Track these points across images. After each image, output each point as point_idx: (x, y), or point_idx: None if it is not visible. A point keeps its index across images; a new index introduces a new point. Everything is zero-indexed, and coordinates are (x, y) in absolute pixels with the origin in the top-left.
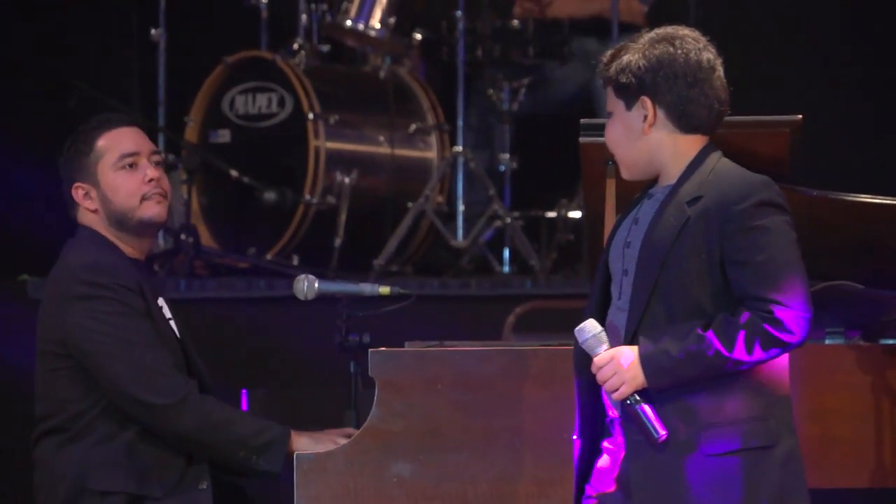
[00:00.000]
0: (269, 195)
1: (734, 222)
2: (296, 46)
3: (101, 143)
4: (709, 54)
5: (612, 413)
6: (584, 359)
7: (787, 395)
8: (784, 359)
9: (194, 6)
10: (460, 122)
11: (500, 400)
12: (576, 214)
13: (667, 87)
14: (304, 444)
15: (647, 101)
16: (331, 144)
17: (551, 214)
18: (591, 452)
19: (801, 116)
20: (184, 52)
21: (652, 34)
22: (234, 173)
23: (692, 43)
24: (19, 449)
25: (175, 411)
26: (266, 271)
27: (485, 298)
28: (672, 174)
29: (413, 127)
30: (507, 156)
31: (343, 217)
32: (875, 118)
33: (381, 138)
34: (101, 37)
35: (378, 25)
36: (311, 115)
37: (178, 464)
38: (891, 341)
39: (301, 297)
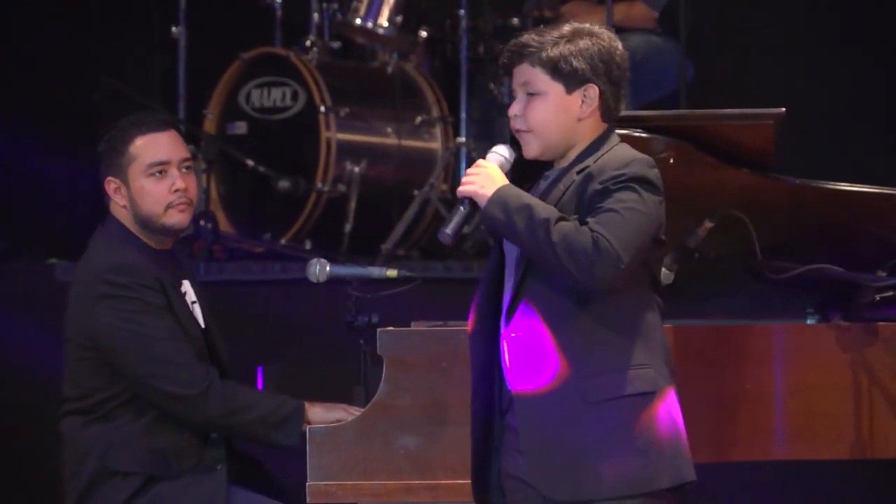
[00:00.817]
0: (283, 184)
1: (605, 182)
2: (308, 43)
3: (136, 146)
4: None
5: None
6: (477, 338)
7: (663, 348)
8: (658, 315)
9: (212, 5)
10: (463, 115)
11: None
12: None
13: (609, 79)
14: (318, 413)
15: (594, 89)
16: (341, 136)
17: None
18: (489, 422)
19: (784, 110)
20: (202, 49)
21: (579, 27)
22: (250, 163)
23: (617, 41)
24: (48, 417)
25: (200, 400)
26: (280, 255)
27: None
28: (572, 156)
29: (419, 119)
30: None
31: (353, 204)
32: (855, 111)
33: (389, 130)
34: (125, 34)
35: (386, 24)
36: (322, 108)
37: (195, 446)
38: (868, 321)
39: (313, 279)
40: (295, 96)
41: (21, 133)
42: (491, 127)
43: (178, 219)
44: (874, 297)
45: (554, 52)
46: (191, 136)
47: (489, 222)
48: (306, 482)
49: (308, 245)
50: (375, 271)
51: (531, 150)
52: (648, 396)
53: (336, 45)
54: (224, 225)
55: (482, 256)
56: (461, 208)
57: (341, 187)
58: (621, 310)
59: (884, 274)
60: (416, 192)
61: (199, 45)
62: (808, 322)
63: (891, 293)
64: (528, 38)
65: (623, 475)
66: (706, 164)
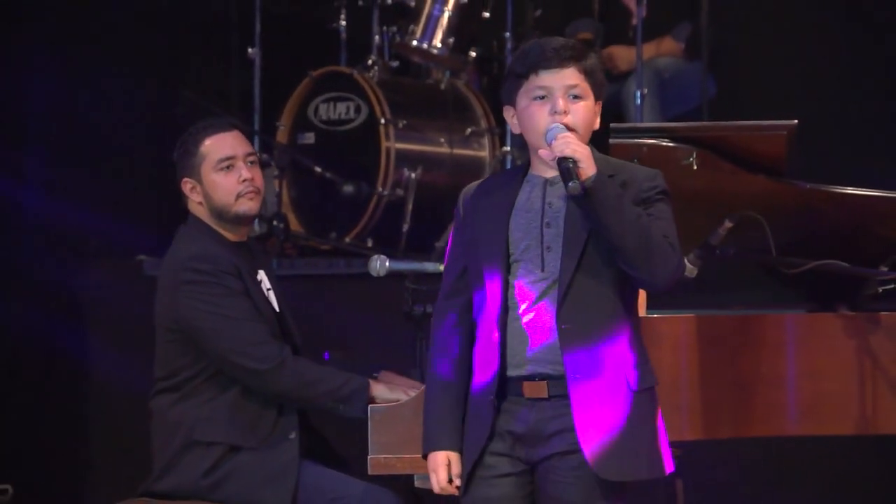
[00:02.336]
0: (348, 188)
1: (647, 192)
2: (370, 62)
3: (205, 146)
4: None
5: (529, 370)
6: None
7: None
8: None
9: (284, 29)
10: (508, 127)
11: None
12: None
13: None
14: (381, 390)
15: (599, 104)
16: (399, 145)
17: None
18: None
19: (796, 121)
20: (275, 68)
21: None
22: (318, 170)
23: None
24: (139, 395)
25: (275, 374)
26: (345, 252)
27: None
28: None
29: (469, 130)
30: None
31: (409, 206)
32: (863, 120)
33: (442, 140)
34: (207, 54)
35: (439, 45)
36: (382, 121)
37: (271, 418)
38: (872, 311)
39: (374, 274)
40: (358, 110)
41: (113, 143)
42: None
43: (247, 206)
44: (877, 289)
45: (597, 61)
46: (265, 145)
47: (600, 193)
48: (367, 455)
49: (370, 243)
50: (430, 266)
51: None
52: (654, 390)
53: (395, 63)
54: (294, 225)
55: None
56: (569, 165)
57: (399, 191)
58: (635, 307)
59: (885, 269)
60: None
61: (273, 64)
62: (818, 312)
63: (892, 286)
64: (564, 43)
65: (655, 458)
66: (726, 170)
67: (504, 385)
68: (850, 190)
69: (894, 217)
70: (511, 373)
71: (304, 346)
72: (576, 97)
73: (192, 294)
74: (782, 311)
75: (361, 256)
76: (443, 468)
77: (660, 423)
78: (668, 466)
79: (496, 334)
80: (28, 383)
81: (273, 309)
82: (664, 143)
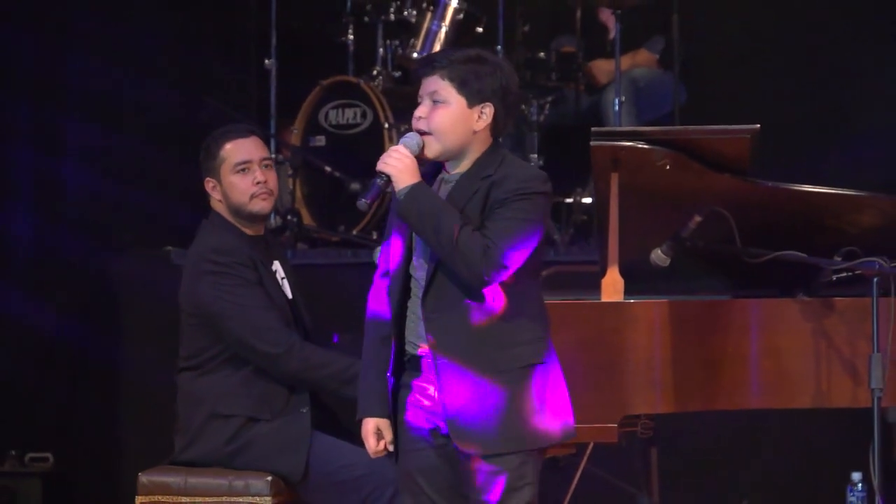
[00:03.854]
0: (355, 185)
1: (507, 193)
2: (375, 72)
3: (225, 150)
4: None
5: (421, 350)
6: (393, 299)
7: (548, 324)
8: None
9: (298, 42)
10: None
11: None
12: (588, 200)
13: (505, 102)
14: None
15: (490, 108)
16: None
17: (569, 200)
18: (397, 387)
19: (758, 126)
20: (290, 77)
21: (486, 53)
22: (328, 169)
23: (514, 73)
24: (166, 374)
25: (283, 358)
26: (352, 243)
27: None
28: (465, 164)
29: None
30: (535, 155)
31: None
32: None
33: None
34: (228, 65)
35: None
36: (386, 125)
37: (284, 393)
38: (826, 297)
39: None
40: (364, 115)
41: (144, 144)
42: (522, 140)
43: (260, 206)
44: (831, 277)
45: (465, 70)
46: (280, 147)
47: (401, 211)
48: None
49: (374, 235)
50: None
51: (430, 151)
52: (542, 366)
53: (397, 74)
54: (307, 219)
55: None
56: (378, 182)
57: None
58: (520, 293)
59: (838, 258)
60: None
61: (287, 74)
62: (778, 298)
63: (844, 274)
64: (441, 53)
65: (520, 433)
66: (695, 170)
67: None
68: (806, 188)
69: (846, 212)
70: (409, 350)
71: (315, 329)
72: (436, 101)
73: (211, 283)
74: (746, 297)
75: (367, 247)
76: (372, 436)
77: (546, 396)
78: (547, 439)
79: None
80: (66, 362)
81: (286, 297)
82: (640, 146)
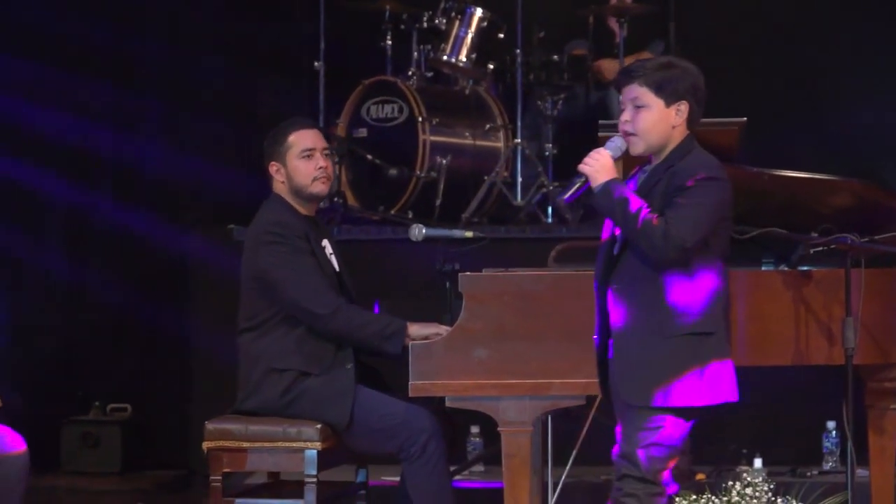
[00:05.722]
0: (393, 171)
1: (683, 181)
2: (410, 73)
3: (291, 138)
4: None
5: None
6: (600, 276)
7: (722, 301)
8: (722, 275)
9: (343, 46)
10: (519, 123)
11: (545, 307)
12: None
13: (696, 97)
14: (416, 329)
15: (685, 105)
16: (433, 138)
17: None
18: (605, 347)
19: (745, 119)
20: (336, 77)
21: (675, 59)
22: (369, 157)
23: (700, 73)
24: (228, 336)
25: (330, 318)
26: (390, 222)
27: (535, 240)
28: (663, 156)
29: (488, 126)
30: (550, 145)
31: (441, 186)
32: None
33: (467, 133)
34: (282, 67)
35: (464, 59)
36: (420, 119)
37: (331, 350)
38: (804, 268)
39: (414, 238)
40: (401, 110)
41: (209, 137)
42: (538, 132)
43: (320, 188)
44: (809, 251)
45: (661, 75)
46: (327, 137)
47: (597, 204)
48: (409, 382)
49: (410, 214)
50: (457, 233)
51: (637, 150)
52: (712, 335)
53: (429, 74)
54: (351, 200)
55: (531, 223)
56: (577, 181)
57: (433, 174)
58: (697, 269)
59: (815, 235)
60: (485, 178)
61: (334, 74)
62: (763, 269)
63: (820, 248)
64: (636, 64)
65: (678, 392)
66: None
67: None
68: (787, 173)
69: (822, 193)
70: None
71: (358, 297)
72: (638, 107)
73: (270, 251)
74: (735, 268)
75: (403, 225)
76: None
77: (707, 362)
78: (703, 399)
79: None
80: (141, 328)
81: (334, 268)
82: None
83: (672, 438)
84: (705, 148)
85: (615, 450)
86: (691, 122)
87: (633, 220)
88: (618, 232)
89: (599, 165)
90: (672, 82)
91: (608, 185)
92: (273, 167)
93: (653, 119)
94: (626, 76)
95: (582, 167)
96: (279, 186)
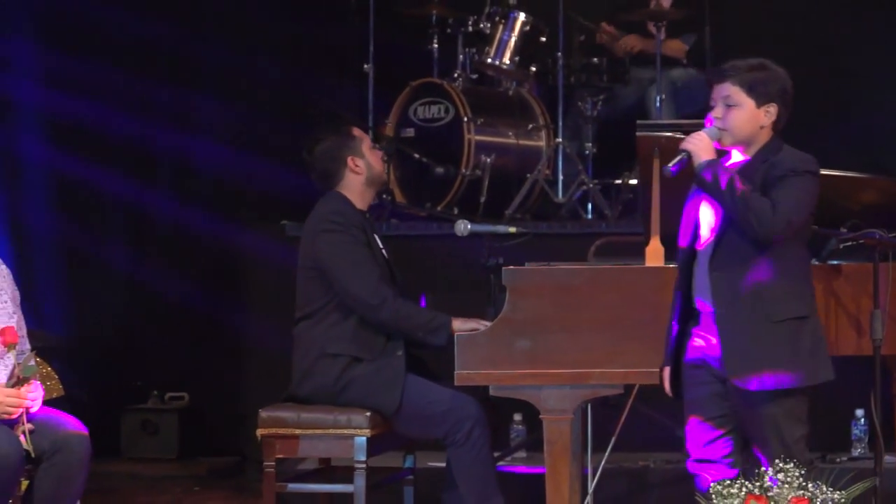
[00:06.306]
0: (439, 169)
1: (785, 171)
2: (456, 75)
3: (355, 133)
4: None
5: (705, 309)
6: (682, 269)
7: (811, 284)
8: (808, 261)
9: (392, 50)
10: (560, 123)
11: (585, 300)
12: (633, 181)
13: (784, 100)
14: (458, 324)
15: (774, 107)
16: (478, 137)
17: (618, 181)
18: (681, 335)
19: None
20: (385, 79)
21: (766, 61)
22: (416, 156)
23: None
24: (281, 326)
25: (379, 308)
26: (437, 218)
27: (575, 235)
28: (751, 151)
29: (530, 126)
30: (589, 144)
31: (486, 183)
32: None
33: (510, 133)
34: (333, 70)
35: (508, 62)
36: (465, 119)
37: (382, 339)
38: (834, 262)
39: (459, 234)
40: (447, 111)
41: (264, 136)
42: (579, 131)
43: (386, 175)
44: (839, 246)
45: (753, 76)
46: (377, 137)
47: (701, 177)
48: (454, 371)
49: (455, 211)
50: (501, 228)
51: (726, 142)
52: (808, 318)
53: (474, 76)
54: (399, 197)
55: (572, 219)
56: (681, 156)
57: (478, 172)
58: (788, 256)
59: (845, 230)
60: (528, 175)
61: (383, 76)
62: None
63: (850, 243)
64: (730, 64)
65: (789, 374)
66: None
67: None
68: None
69: (851, 190)
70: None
71: (405, 291)
72: (729, 105)
73: (327, 240)
74: None
75: (449, 221)
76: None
77: (808, 344)
78: (810, 379)
79: None
80: (198, 321)
81: (385, 260)
82: (678, 136)
83: (797, 423)
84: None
85: (718, 447)
86: (778, 123)
87: (742, 194)
88: (716, 222)
89: (703, 145)
90: (764, 84)
91: (713, 163)
92: (352, 161)
93: (743, 117)
94: (720, 74)
95: (685, 144)
96: (352, 179)
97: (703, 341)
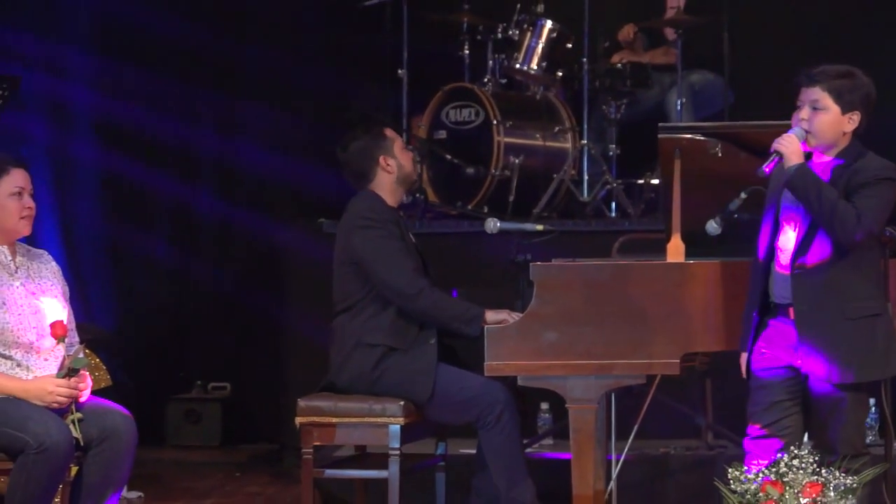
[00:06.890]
0: (470, 170)
1: (868, 177)
2: (486, 80)
3: (388, 134)
4: None
5: (780, 300)
6: (758, 267)
7: (883, 282)
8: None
9: (425, 56)
10: (585, 126)
11: (609, 294)
12: (655, 181)
13: (867, 108)
14: (491, 315)
15: (858, 115)
16: (507, 139)
17: (640, 181)
18: (759, 325)
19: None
20: (418, 84)
21: (853, 69)
22: (448, 157)
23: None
24: (319, 319)
25: (417, 297)
26: (468, 216)
27: (600, 233)
28: (832, 154)
29: (557, 128)
30: (613, 146)
31: (514, 183)
32: None
33: (537, 135)
34: (369, 75)
35: (535, 67)
36: (495, 122)
37: (415, 328)
38: None
39: (489, 231)
40: (477, 114)
41: (303, 138)
42: (603, 133)
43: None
44: None
45: (841, 84)
46: (410, 139)
47: (792, 181)
48: (484, 362)
49: (485, 209)
50: (529, 226)
51: (809, 144)
52: (881, 315)
53: (503, 81)
54: (431, 197)
55: (597, 217)
56: (774, 157)
57: (507, 172)
58: (866, 257)
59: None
60: (554, 176)
61: (416, 81)
62: None
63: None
64: (820, 69)
65: (863, 368)
66: (742, 157)
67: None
68: None
69: None
70: (772, 299)
71: (437, 286)
72: (816, 109)
73: (363, 235)
74: None
75: (480, 219)
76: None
77: (882, 341)
78: (882, 374)
79: None
80: (240, 315)
81: (418, 253)
82: (697, 138)
83: (863, 413)
84: (755, 148)
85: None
86: (858, 129)
87: (830, 200)
88: (800, 222)
89: (794, 148)
90: (850, 92)
91: (804, 167)
92: (383, 160)
93: (828, 122)
94: (810, 79)
95: (777, 146)
96: (383, 178)
97: (779, 334)
